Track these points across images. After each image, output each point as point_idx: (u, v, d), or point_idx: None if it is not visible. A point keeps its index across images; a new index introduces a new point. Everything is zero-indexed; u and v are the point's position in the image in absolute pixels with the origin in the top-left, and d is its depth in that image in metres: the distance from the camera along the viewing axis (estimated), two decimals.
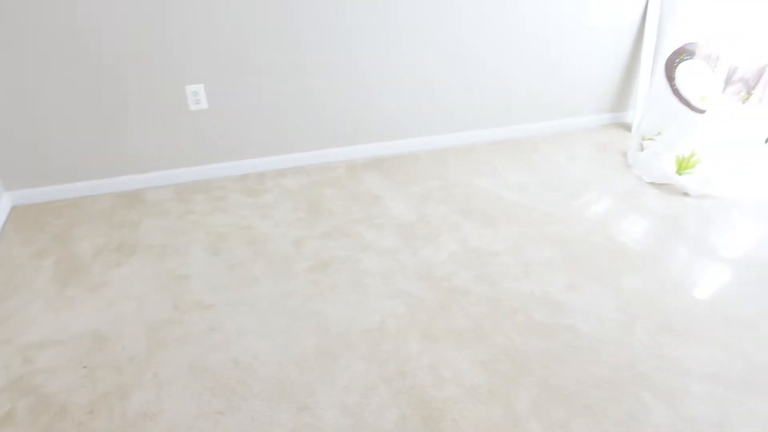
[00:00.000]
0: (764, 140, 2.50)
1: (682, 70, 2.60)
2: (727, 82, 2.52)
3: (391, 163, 2.71)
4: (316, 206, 2.30)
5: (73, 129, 2.27)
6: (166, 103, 2.34)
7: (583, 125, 3.16)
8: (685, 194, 2.38)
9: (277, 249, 2.00)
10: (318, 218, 2.20)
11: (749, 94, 2.49)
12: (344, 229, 2.12)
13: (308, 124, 2.60)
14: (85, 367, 1.48)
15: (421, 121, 2.79)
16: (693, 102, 2.56)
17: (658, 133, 2.64)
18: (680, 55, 2.61)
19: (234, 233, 2.10)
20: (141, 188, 2.47)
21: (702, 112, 2.53)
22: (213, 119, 2.44)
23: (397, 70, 2.61)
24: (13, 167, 2.26)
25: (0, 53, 2.04)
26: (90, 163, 2.36)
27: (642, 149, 2.67)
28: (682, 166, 2.47)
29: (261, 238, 2.07)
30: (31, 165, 2.29)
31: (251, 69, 2.38)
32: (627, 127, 3.17)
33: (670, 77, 2.62)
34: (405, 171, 2.63)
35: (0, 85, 2.09)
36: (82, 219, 2.22)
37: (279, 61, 2.40)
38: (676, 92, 2.61)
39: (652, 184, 2.48)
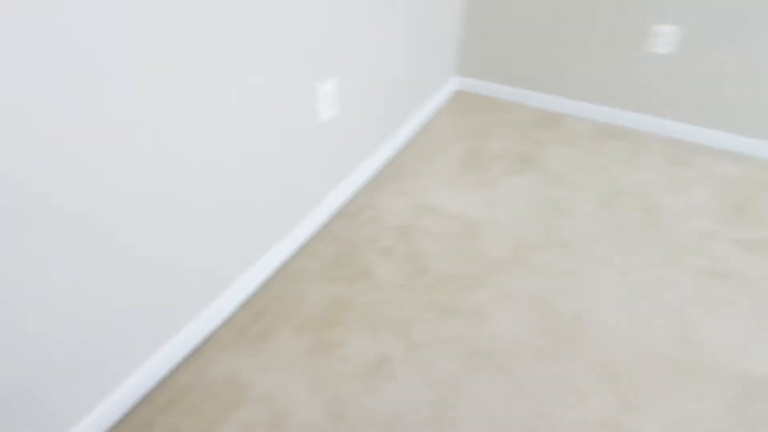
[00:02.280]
0: None
1: None
2: None
3: None
4: (744, 205, 1.87)
5: (531, 40, 2.35)
6: (626, 39, 2.17)
7: None
8: None
9: (675, 231, 1.73)
10: (741, 220, 1.79)
11: None
12: None
13: None
14: (451, 244, 1.63)
15: None
16: None
17: None
18: None
19: (632, 193, 1.91)
20: (562, 113, 2.45)
21: None
22: (674, 65, 2.16)
23: None
24: (470, 58, 2.52)
25: None
26: (529, 73, 2.44)
27: None
28: None
29: (660, 211, 1.82)
30: (482, 61, 2.50)
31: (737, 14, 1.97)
32: None
33: None
34: None
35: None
36: (501, 122, 2.36)
37: None
38: None
39: None
